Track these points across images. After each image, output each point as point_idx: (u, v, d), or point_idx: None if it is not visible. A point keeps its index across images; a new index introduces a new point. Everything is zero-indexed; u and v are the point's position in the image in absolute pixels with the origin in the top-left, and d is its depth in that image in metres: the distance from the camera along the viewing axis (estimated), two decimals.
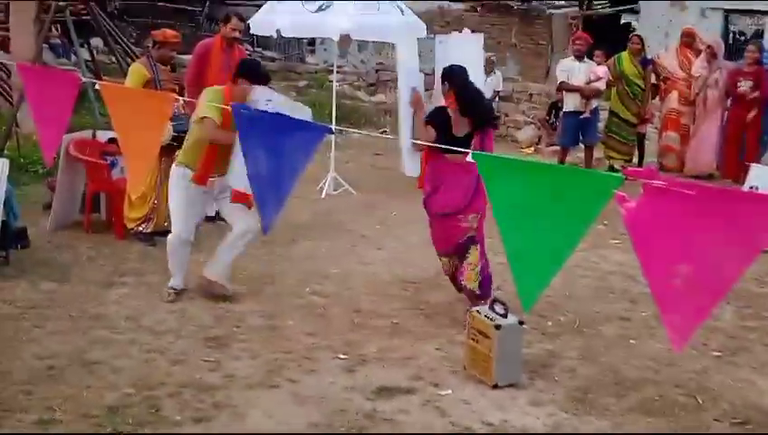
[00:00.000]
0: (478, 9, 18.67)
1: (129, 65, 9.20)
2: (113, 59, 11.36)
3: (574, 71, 9.59)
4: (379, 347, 5.07)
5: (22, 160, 8.56)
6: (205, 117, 5.26)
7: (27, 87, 3.32)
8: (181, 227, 5.55)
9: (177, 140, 6.67)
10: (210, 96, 5.20)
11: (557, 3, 20.32)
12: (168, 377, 4.54)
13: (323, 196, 8.94)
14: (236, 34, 7.38)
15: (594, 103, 9.71)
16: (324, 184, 9.10)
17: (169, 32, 7.05)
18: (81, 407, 4.14)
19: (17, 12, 9.93)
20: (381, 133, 12.13)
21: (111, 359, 4.73)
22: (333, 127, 2.75)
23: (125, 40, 11.44)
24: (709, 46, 9.99)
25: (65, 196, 7.13)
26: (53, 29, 12.61)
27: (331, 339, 5.16)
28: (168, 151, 6.76)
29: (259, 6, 10.08)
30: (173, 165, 5.59)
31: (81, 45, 10.93)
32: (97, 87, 3.66)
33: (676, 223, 2.16)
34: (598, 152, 10.32)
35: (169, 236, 5.66)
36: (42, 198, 7.80)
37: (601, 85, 9.63)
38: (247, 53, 9.48)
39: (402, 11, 9.21)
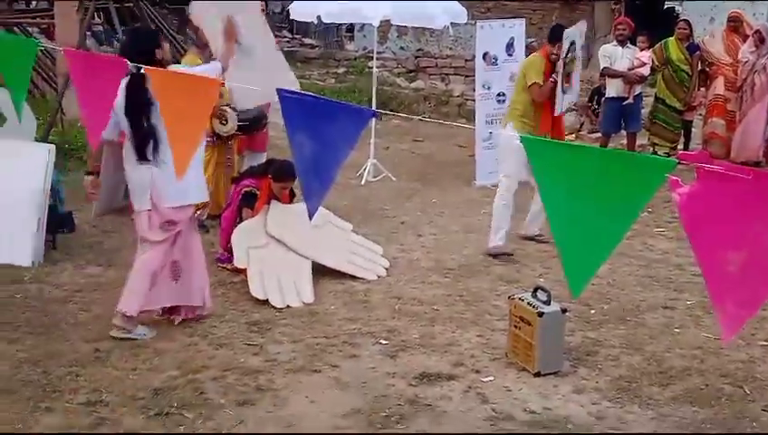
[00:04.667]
0: None
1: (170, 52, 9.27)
2: None
3: (617, 56, 9.47)
4: (420, 333, 5.06)
5: (67, 146, 8.68)
6: (534, 82, 6.45)
7: (73, 72, 3.35)
8: None
9: (242, 129, 6.75)
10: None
11: None
12: (212, 360, 4.59)
13: (363, 182, 8.95)
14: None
15: (638, 89, 9.58)
16: (364, 170, 9.11)
17: None
18: (127, 389, 4.20)
19: None
20: (421, 119, 12.09)
21: (155, 342, 4.79)
22: (377, 111, 2.73)
23: (167, 26, 11.53)
24: (757, 31, 9.75)
25: (109, 181, 7.19)
26: (97, 16, 12.74)
27: (372, 325, 5.17)
28: (228, 140, 6.83)
29: None
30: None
31: (124, 32, 11.03)
32: (142, 71, 3.69)
33: (730, 209, 2.11)
34: (641, 139, 10.19)
35: None
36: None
37: (645, 71, 9.50)
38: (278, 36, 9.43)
39: None
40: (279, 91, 2.75)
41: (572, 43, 6.63)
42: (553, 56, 6.57)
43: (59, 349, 4.65)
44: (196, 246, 5.07)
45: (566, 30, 6.65)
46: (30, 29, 12.30)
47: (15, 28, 11.82)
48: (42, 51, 10.36)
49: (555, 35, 6.65)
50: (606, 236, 2.28)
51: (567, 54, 6.57)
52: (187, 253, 5.00)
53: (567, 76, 6.63)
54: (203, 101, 3.03)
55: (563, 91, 6.62)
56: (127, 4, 10.57)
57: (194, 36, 7.04)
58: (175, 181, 4.40)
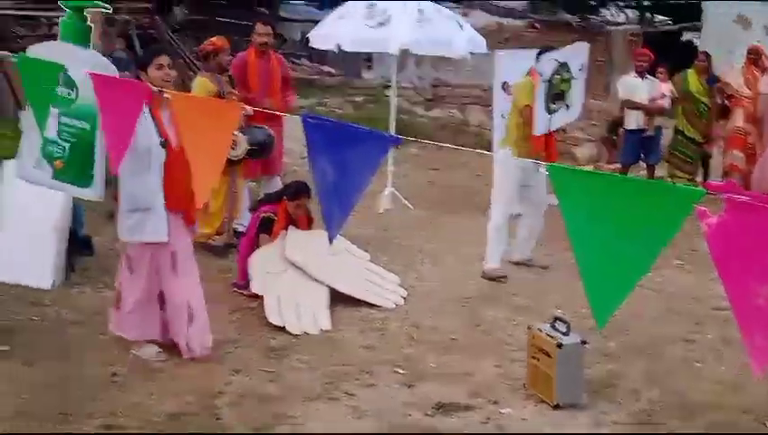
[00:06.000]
0: (537, 26, 18.59)
1: (190, 78, 9.37)
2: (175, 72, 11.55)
3: (637, 88, 9.49)
4: (437, 363, 5.03)
5: None
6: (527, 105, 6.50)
7: (98, 95, 3.39)
8: None
9: (251, 153, 6.76)
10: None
11: (617, 20, 20.08)
12: (228, 386, 4.57)
13: (381, 210, 8.94)
14: (265, 39, 7.43)
15: (658, 121, 9.57)
16: (382, 199, 9.10)
17: (216, 38, 7.14)
18: (143, 413, 4.19)
19: None
20: (438, 149, 12.12)
21: (172, 367, 4.78)
22: (399, 137, 2.73)
23: (187, 53, 11.65)
24: None
25: None
26: (118, 42, 12.89)
27: (389, 353, 5.14)
28: (235, 165, 6.84)
29: (317, 22, 10.17)
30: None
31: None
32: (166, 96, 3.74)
33: (760, 239, 2.09)
34: (660, 171, 10.16)
35: None
36: (104, 207, 7.95)
37: (666, 103, 9.50)
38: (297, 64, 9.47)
39: (461, 26, 9.19)
40: (302, 116, 2.77)
41: (563, 65, 6.64)
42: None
43: (76, 372, 4.65)
44: (179, 283, 4.83)
45: (552, 51, 6.71)
46: None
47: None
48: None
49: (538, 57, 6.78)
50: (632, 267, 2.26)
51: (554, 75, 6.58)
52: (168, 288, 4.85)
53: (557, 96, 6.66)
54: (224, 126, 3.04)
55: (550, 111, 6.63)
56: (149, 31, 10.70)
57: (203, 60, 7.11)
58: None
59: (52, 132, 4.35)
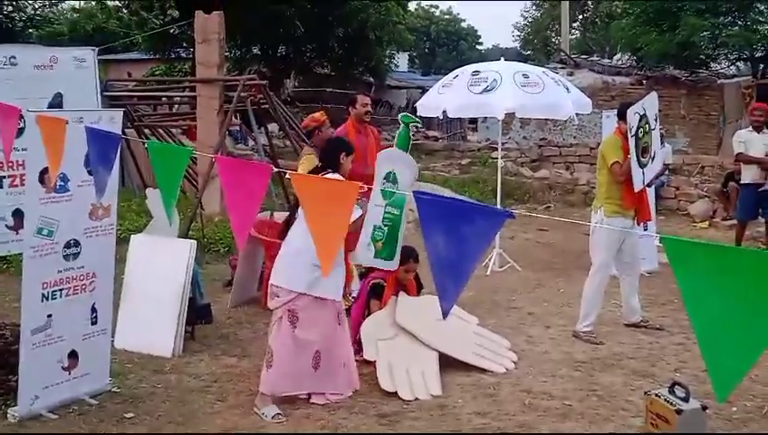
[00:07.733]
0: (644, 82, 18.38)
1: (302, 148, 9.72)
2: (287, 143, 12.00)
3: (752, 142, 9.25)
4: (551, 429, 4.95)
5: (205, 240, 9.12)
6: (615, 161, 6.61)
7: (223, 176, 3.61)
8: None
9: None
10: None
11: (728, 72, 19.64)
12: None
13: (488, 272, 8.94)
14: (367, 110, 7.64)
15: None
16: (489, 260, 9.12)
17: (318, 114, 7.42)
18: None
19: (203, 103, 10.73)
20: (546, 209, 12.06)
21: (289, 428, 4.87)
22: (512, 211, 2.78)
23: (298, 125, 12.09)
24: None
25: (245, 274, 7.53)
26: (234, 117, 13.53)
27: (501, 419, 5.10)
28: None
29: (420, 88, 10.40)
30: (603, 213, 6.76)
31: (259, 130, 11.62)
32: (288, 176, 3.94)
33: None
34: None
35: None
36: (222, 275, 8.27)
37: None
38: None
39: (568, 88, 9.22)
40: (415, 193, 2.87)
41: (642, 117, 6.57)
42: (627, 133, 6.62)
43: None
44: (341, 335, 5.31)
45: (631, 106, 6.63)
46: (173, 130, 13.16)
47: (160, 130, 12.67)
48: None
49: (621, 113, 6.75)
50: (755, 340, 2.21)
51: (638, 129, 6.52)
52: (334, 340, 5.24)
53: (644, 150, 6.60)
54: (343, 203, 3.18)
55: (641, 166, 6.57)
56: (263, 106, 11.17)
57: (307, 136, 7.40)
58: (280, 259, 5.07)
59: (378, 220, 5.74)
